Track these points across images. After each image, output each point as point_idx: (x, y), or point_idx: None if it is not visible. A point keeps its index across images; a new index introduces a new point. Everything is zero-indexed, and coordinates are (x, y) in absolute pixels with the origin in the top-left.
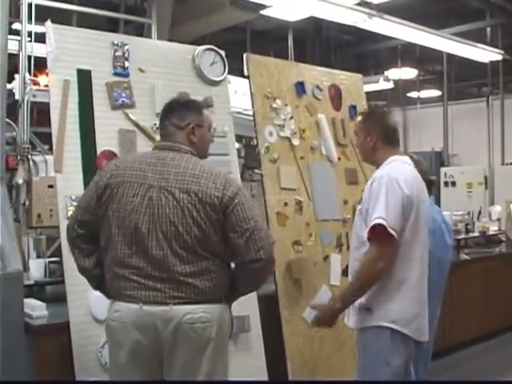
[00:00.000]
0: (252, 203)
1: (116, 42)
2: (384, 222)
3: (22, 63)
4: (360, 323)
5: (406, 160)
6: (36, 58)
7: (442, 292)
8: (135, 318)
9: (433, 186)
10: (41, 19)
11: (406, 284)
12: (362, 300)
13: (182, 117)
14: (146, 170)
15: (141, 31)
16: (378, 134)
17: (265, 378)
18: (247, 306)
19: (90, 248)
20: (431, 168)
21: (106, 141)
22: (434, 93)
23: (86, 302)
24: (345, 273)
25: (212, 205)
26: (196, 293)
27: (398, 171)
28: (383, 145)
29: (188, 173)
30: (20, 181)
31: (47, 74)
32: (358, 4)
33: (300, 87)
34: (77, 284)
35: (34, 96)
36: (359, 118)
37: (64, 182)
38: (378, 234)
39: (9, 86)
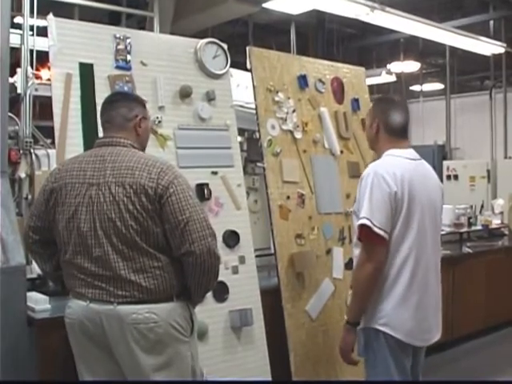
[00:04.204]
0: (191, 193)
1: (118, 36)
2: (368, 222)
3: (24, 57)
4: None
5: (403, 153)
6: (38, 51)
7: None
8: (83, 315)
9: None
10: (42, 13)
11: (398, 284)
12: None
13: (131, 108)
14: (86, 168)
15: (143, 24)
16: (382, 122)
17: (267, 371)
18: (250, 299)
19: (49, 252)
20: (434, 161)
21: None
22: (437, 86)
23: None
24: (347, 266)
25: (147, 195)
26: (140, 291)
27: (386, 166)
28: (386, 134)
29: (124, 166)
30: (22, 175)
31: (49, 68)
32: None
33: (302, 80)
34: None
35: (36, 90)
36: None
37: None
38: (365, 234)
39: (11, 80)
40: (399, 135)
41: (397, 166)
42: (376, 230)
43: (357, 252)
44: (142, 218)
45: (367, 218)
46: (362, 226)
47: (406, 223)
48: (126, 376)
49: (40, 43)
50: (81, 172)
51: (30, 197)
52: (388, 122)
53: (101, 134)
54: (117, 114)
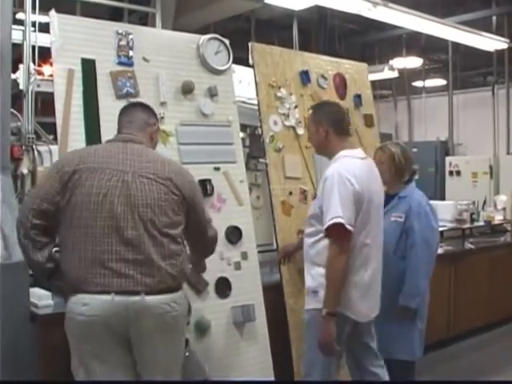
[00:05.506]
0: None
1: (120, 32)
2: (342, 220)
3: (27, 53)
4: (307, 305)
5: (356, 154)
6: (40, 47)
7: (430, 271)
8: (108, 310)
9: (415, 174)
10: (44, 9)
11: (349, 269)
12: (310, 284)
13: (150, 116)
14: (117, 157)
15: (145, 20)
16: (329, 123)
17: (270, 366)
18: (252, 295)
19: (44, 241)
20: (436, 157)
21: (110, 130)
22: (439, 82)
23: None
24: None
25: (179, 190)
26: (167, 277)
27: (347, 167)
28: (335, 135)
29: (159, 161)
30: (25, 171)
31: (51, 64)
32: None
33: (305, 76)
34: None
35: (39, 86)
36: (310, 112)
37: None
38: (337, 231)
39: (13, 76)
40: (346, 132)
41: (354, 166)
42: (348, 226)
43: (311, 241)
44: (177, 208)
45: (340, 217)
46: (336, 225)
47: (364, 218)
48: (137, 365)
49: (42, 39)
50: (111, 159)
51: None
52: (335, 122)
53: (101, 132)
54: (139, 116)
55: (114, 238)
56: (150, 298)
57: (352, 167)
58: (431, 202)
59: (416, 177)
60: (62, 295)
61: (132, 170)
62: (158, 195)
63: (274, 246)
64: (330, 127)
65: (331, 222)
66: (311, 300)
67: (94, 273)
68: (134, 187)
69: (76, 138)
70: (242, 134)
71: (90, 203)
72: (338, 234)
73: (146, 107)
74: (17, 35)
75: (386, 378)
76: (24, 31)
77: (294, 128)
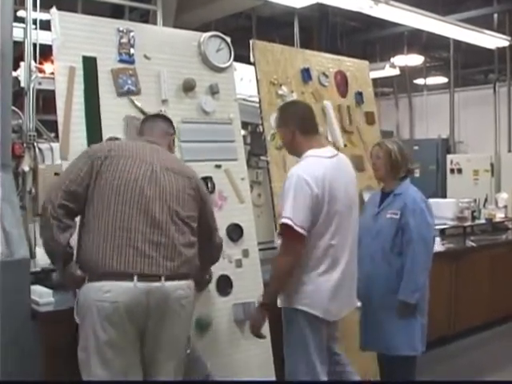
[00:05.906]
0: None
1: (121, 29)
2: (289, 222)
3: (28, 51)
4: (281, 303)
5: (323, 153)
6: (41, 45)
7: (428, 266)
8: (129, 299)
9: (412, 173)
10: (46, 6)
11: (316, 271)
12: None
13: (169, 126)
14: (144, 151)
15: (146, 18)
16: (295, 124)
17: (270, 364)
18: (253, 292)
19: (68, 223)
20: (437, 155)
21: (111, 128)
22: (441, 79)
23: None
24: None
25: (198, 190)
26: (183, 262)
27: (308, 169)
28: (301, 135)
29: (180, 161)
30: (26, 168)
31: (52, 62)
32: None
33: (306, 74)
34: None
35: (40, 83)
36: (276, 114)
37: None
38: (287, 232)
39: (14, 74)
40: (314, 131)
41: (318, 167)
42: (297, 228)
43: (280, 242)
44: (195, 205)
45: (289, 218)
46: (285, 225)
47: (327, 220)
48: (150, 358)
49: (43, 37)
50: (140, 152)
51: (33, 190)
52: (300, 121)
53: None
54: (159, 125)
55: (142, 220)
56: (169, 284)
57: (314, 168)
58: (432, 199)
59: (417, 174)
60: (73, 286)
61: (159, 163)
62: (183, 188)
63: (275, 244)
64: (295, 128)
65: (280, 222)
66: (285, 299)
67: (118, 252)
68: (162, 177)
69: (77, 135)
70: (243, 132)
71: (121, 187)
72: (287, 234)
73: (166, 118)
74: (18, 33)
75: (346, 361)
76: (25, 29)
77: None
